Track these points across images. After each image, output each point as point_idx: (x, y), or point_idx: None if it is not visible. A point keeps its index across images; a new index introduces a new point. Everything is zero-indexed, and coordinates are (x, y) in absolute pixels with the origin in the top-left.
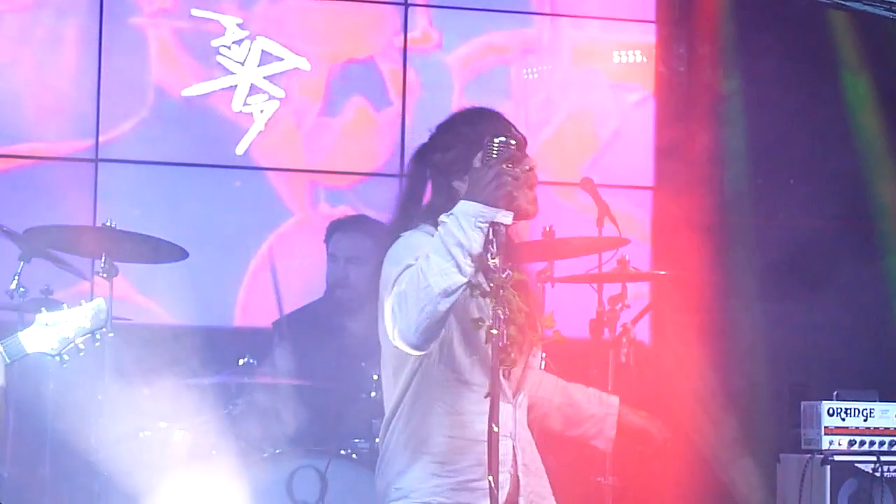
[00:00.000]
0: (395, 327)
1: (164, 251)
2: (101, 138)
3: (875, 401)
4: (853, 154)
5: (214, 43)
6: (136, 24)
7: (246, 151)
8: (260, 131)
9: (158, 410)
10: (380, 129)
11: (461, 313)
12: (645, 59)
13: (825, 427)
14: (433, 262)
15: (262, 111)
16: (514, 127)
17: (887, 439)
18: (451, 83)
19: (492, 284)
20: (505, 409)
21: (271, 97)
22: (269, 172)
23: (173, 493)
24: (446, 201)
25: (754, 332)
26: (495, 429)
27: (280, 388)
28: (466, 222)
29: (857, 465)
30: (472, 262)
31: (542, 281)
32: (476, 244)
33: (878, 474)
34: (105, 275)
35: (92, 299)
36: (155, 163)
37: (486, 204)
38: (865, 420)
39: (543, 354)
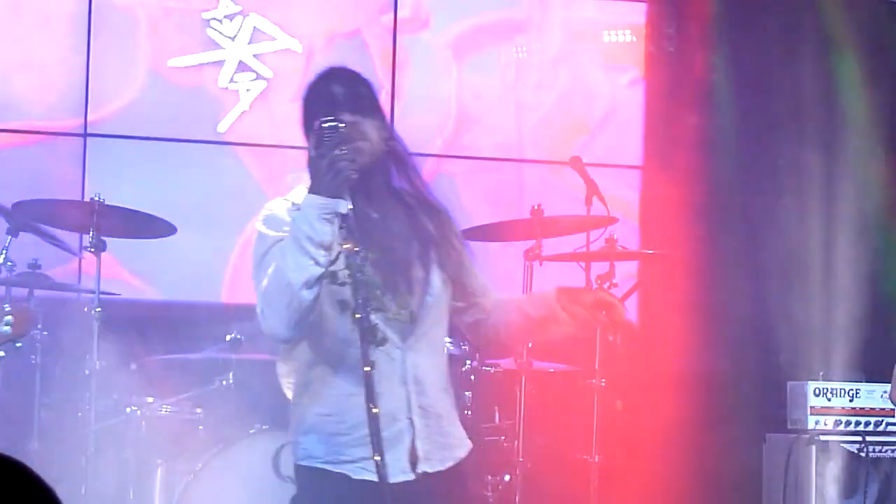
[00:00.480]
0: (265, 323)
1: (152, 226)
2: (91, 116)
3: (861, 381)
4: (843, 134)
5: (206, 15)
6: (126, 1)
7: (228, 130)
8: (244, 111)
9: (145, 386)
10: None
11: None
12: (635, 39)
13: (811, 407)
14: (289, 259)
15: (248, 90)
16: (352, 85)
17: (873, 419)
18: (441, 63)
19: (348, 270)
20: (395, 354)
21: (259, 77)
22: (249, 152)
23: (160, 469)
24: (308, 163)
25: (741, 311)
26: (374, 410)
27: (267, 364)
28: (312, 216)
29: (842, 444)
30: (326, 251)
31: (529, 259)
32: (326, 235)
33: (863, 454)
34: (93, 250)
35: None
36: (143, 138)
37: (327, 196)
38: (851, 400)
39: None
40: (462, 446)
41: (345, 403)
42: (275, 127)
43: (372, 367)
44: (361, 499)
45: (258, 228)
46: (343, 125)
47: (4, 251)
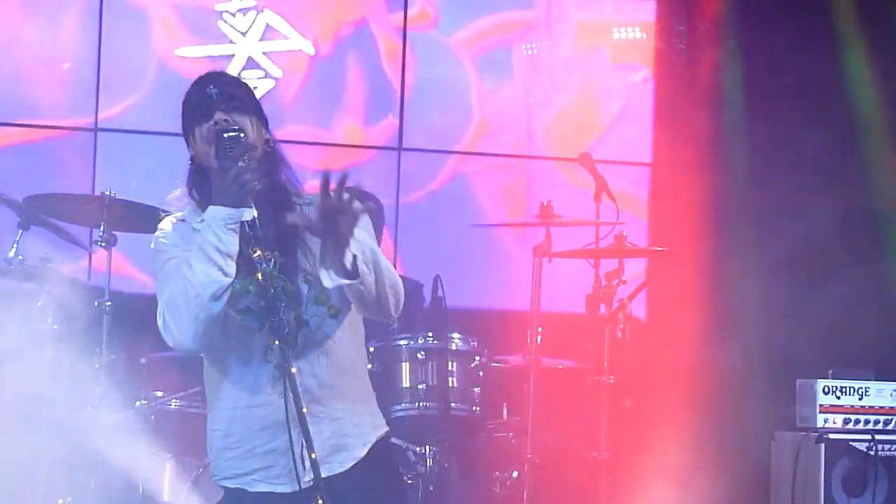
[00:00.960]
0: (168, 335)
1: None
2: (103, 114)
3: (870, 380)
4: (853, 128)
5: (219, 7)
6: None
7: None
8: None
9: (155, 380)
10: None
11: None
12: (644, 36)
13: (820, 405)
14: (197, 270)
15: (254, 87)
16: (223, 84)
17: (882, 418)
18: (452, 61)
19: (260, 277)
20: (266, 368)
21: (268, 75)
22: None
23: (169, 462)
24: (189, 170)
25: (750, 309)
26: (304, 409)
27: None
28: (217, 227)
29: (851, 443)
30: (232, 261)
31: (538, 256)
32: (233, 245)
33: (872, 453)
34: (104, 244)
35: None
36: (152, 133)
37: (233, 206)
38: (861, 399)
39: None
40: (362, 445)
41: (230, 417)
42: (276, 127)
43: (258, 378)
44: None
45: (153, 248)
46: (244, 135)
47: (15, 245)
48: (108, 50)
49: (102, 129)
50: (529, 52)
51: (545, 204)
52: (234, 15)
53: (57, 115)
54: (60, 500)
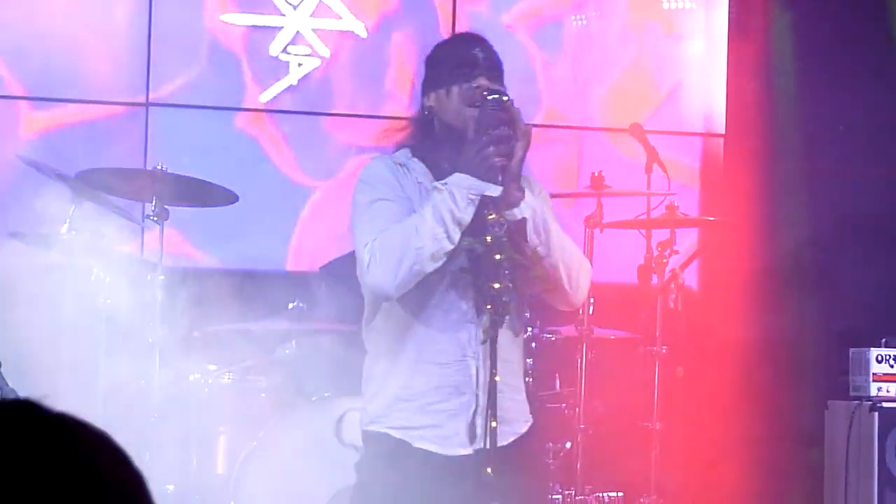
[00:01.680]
0: (372, 272)
1: (214, 195)
2: (155, 93)
3: None
4: None
5: None
6: None
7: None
8: (291, 85)
9: (208, 354)
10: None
11: None
12: (695, 6)
13: (873, 374)
14: (427, 225)
15: (300, 64)
16: (487, 51)
17: None
18: (503, 34)
19: (489, 240)
20: (468, 329)
21: (314, 53)
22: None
23: (223, 436)
24: (418, 121)
25: (803, 278)
26: (497, 378)
27: (329, 332)
28: (459, 194)
29: None
30: (460, 230)
31: (590, 226)
32: (467, 215)
33: None
34: (156, 219)
35: (142, 243)
36: (204, 107)
37: (478, 177)
38: None
39: None
40: (523, 421)
41: (412, 369)
42: (325, 108)
43: (451, 337)
44: (419, 467)
45: (362, 179)
46: (507, 98)
47: (68, 220)
48: (158, 24)
49: (153, 104)
50: (579, 23)
51: (596, 174)
52: None
53: (109, 93)
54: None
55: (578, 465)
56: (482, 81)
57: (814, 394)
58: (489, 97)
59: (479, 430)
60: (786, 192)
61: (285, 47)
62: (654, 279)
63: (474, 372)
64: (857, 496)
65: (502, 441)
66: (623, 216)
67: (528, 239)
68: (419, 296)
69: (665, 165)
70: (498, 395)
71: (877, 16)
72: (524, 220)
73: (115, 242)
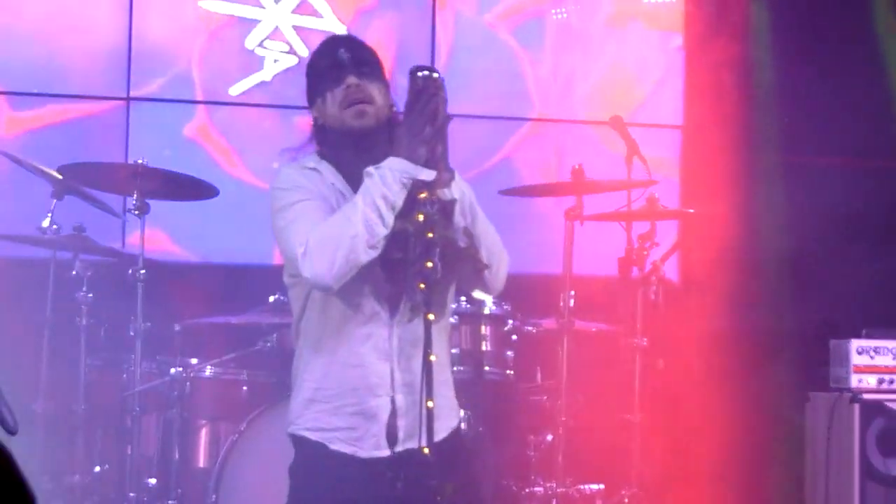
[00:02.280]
0: (308, 266)
1: (195, 188)
2: (136, 90)
3: None
4: (884, 89)
5: None
6: None
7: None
8: (263, 81)
9: (189, 347)
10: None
11: None
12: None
13: (854, 365)
14: (360, 212)
15: (275, 60)
16: (354, 49)
17: None
18: (484, 30)
19: (421, 218)
20: (381, 332)
21: (292, 51)
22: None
23: (204, 429)
24: (314, 132)
25: (783, 269)
26: (432, 357)
27: None
28: (392, 177)
29: (886, 403)
30: (393, 215)
31: (570, 219)
32: (400, 199)
33: None
34: (137, 212)
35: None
36: (185, 101)
37: (410, 157)
38: (895, 358)
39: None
40: (451, 418)
41: (325, 371)
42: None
43: (369, 333)
44: (336, 470)
45: (276, 187)
46: (437, 74)
47: (50, 214)
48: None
49: (134, 98)
50: (559, 16)
51: (576, 167)
52: None
53: (88, 83)
54: (97, 467)
55: (560, 458)
56: (351, 80)
57: (794, 385)
58: (418, 74)
59: (400, 433)
60: (764, 183)
61: (262, 41)
62: (635, 271)
63: (389, 372)
64: (837, 487)
65: (436, 437)
66: (603, 209)
67: (455, 220)
68: (340, 295)
69: (645, 158)
70: (415, 393)
71: (860, 8)
72: (454, 200)
73: (96, 236)
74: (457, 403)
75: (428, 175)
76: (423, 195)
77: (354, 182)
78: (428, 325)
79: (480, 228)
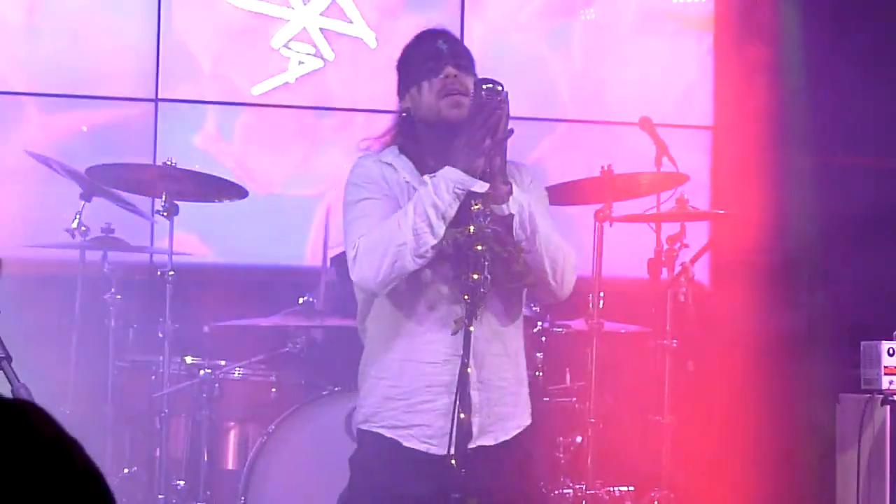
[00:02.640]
0: (356, 270)
1: (224, 190)
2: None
3: None
4: None
5: None
6: None
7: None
8: (287, 82)
9: (218, 348)
10: None
11: None
12: (704, 0)
13: (885, 367)
14: (409, 220)
15: (300, 63)
16: (451, 41)
17: None
18: (513, 32)
19: (472, 230)
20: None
21: (318, 54)
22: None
23: (233, 431)
24: (399, 124)
25: (813, 271)
26: (469, 370)
27: (339, 327)
28: (445, 186)
29: None
30: (444, 225)
31: (600, 220)
32: (451, 210)
33: None
34: (165, 214)
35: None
36: (213, 102)
37: (466, 168)
38: None
39: None
40: (522, 417)
41: (400, 368)
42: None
43: (436, 334)
44: (411, 467)
45: (350, 181)
46: (501, 87)
47: (78, 216)
48: (167, 21)
49: (163, 100)
50: (588, 16)
51: (605, 168)
52: None
53: (118, 84)
54: (126, 469)
55: (589, 460)
56: (450, 70)
57: (825, 387)
58: (483, 87)
59: (474, 429)
60: (796, 184)
61: (287, 42)
62: (664, 273)
63: (459, 369)
64: (868, 489)
65: (504, 436)
66: (633, 210)
67: (514, 234)
68: (407, 293)
69: (674, 158)
70: (496, 392)
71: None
72: (511, 216)
73: (124, 237)
74: (526, 407)
75: (481, 187)
76: (476, 206)
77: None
78: (468, 336)
79: (542, 240)
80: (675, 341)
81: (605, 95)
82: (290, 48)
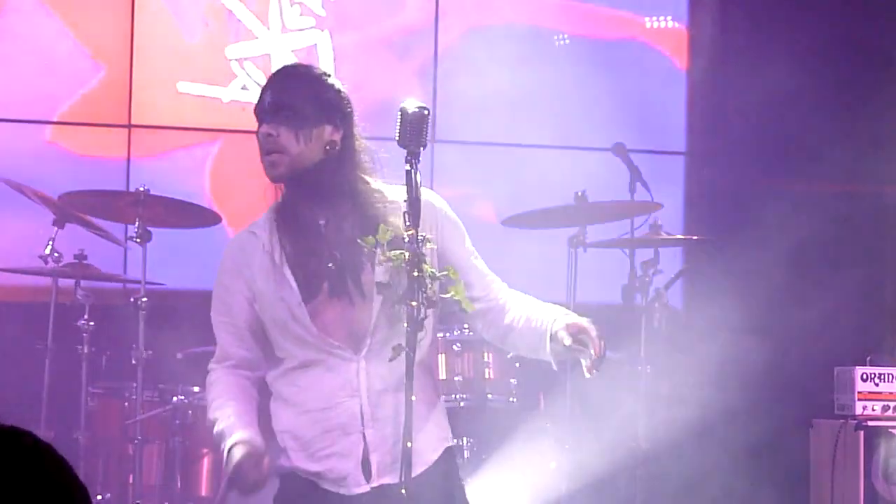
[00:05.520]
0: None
1: (197, 216)
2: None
3: None
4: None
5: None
6: None
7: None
8: (218, 98)
9: (191, 375)
10: None
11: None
12: (677, 25)
13: (858, 392)
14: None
15: (243, 87)
16: (278, 88)
17: None
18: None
19: (408, 256)
20: (349, 368)
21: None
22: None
23: (206, 458)
24: None
25: (787, 296)
26: (412, 398)
27: None
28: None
29: (891, 430)
30: None
31: (573, 246)
32: None
33: None
34: (139, 240)
35: (125, 265)
36: (185, 128)
37: None
38: None
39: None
40: (429, 451)
41: (297, 416)
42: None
43: (329, 381)
44: None
45: (223, 258)
46: (428, 113)
47: (51, 242)
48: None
49: (136, 126)
50: (562, 42)
51: (579, 194)
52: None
53: (89, 110)
54: (99, 496)
55: (564, 486)
56: (263, 129)
57: (799, 412)
58: (408, 111)
59: (373, 468)
60: (769, 209)
61: (243, 60)
62: (639, 299)
63: (358, 410)
64: None
65: (391, 479)
66: (606, 235)
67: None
68: (296, 350)
69: (648, 184)
70: (394, 429)
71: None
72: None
73: (97, 264)
74: (441, 435)
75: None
76: (410, 232)
77: (291, 239)
78: (410, 364)
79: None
80: (649, 367)
81: (576, 120)
82: (243, 68)
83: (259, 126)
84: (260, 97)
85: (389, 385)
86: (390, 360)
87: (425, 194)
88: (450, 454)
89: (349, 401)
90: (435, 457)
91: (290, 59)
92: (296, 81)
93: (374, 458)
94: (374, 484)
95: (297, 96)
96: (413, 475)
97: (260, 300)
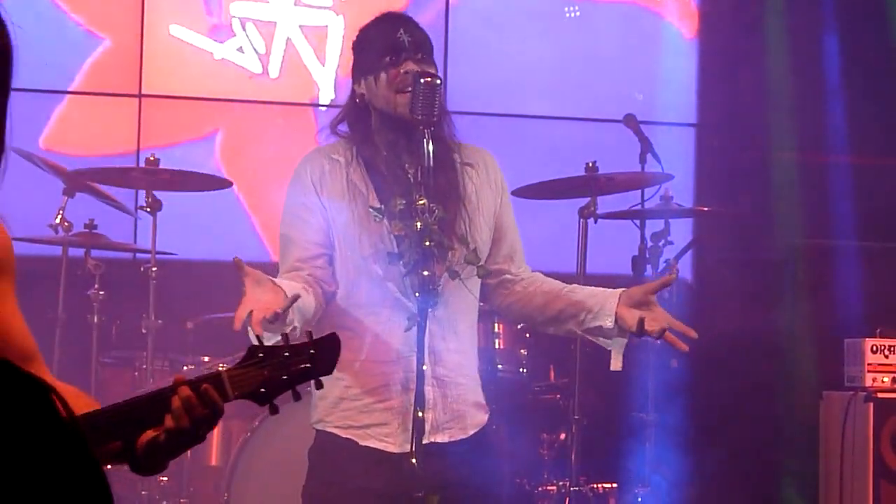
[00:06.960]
0: None
1: (207, 181)
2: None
3: None
4: None
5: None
6: None
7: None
8: (210, 52)
9: (201, 344)
10: None
11: (357, 242)
12: None
13: (868, 364)
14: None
15: (238, 48)
16: (413, 31)
17: None
18: (494, 23)
19: (418, 226)
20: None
21: (263, 59)
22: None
23: (217, 427)
24: (352, 109)
25: (797, 268)
26: (424, 367)
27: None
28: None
29: None
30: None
31: (584, 217)
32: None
33: None
34: (149, 209)
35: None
36: (197, 98)
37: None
38: None
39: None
40: (478, 415)
41: (356, 368)
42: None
43: (390, 332)
44: (367, 464)
45: (293, 178)
46: (440, 81)
47: (61, 212)
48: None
49: (146, 95)
50: (572, 14)
51: (590, 165)
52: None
53: (101, 79)
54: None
55: (573, 456)
56: (410, 66)
57: (809, 384)
58: (421, 80)
59: (427, 426)
60: (779, 181)
61: (245, 22)
62: (649, 270)
63: (416, 366)
64: (852, 486)
65: (462, 435)
66: (617, 207)
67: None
68: (359, 292)
69: (659, 155)
70: (452, 388)
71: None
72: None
73: (107, 233)
74: (483, 402)
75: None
76: (421, 202)
77: (379, 177)
78: (421, 333)
79: None
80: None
81: (587, 91)
82: (244, 29)
83: (400, 63)
84: (385, 35)
85: (453, 343)
86: (405, 331)
87: (489, 156)
88: (491, 420)
89: (412, 356)
90: (484, 419)
91: (297, 34)
92: (420, 27)
93: (428, 417)
94: (425, 441)
95: (428, 39)
96: (462, 437)
97: (339, 233)
